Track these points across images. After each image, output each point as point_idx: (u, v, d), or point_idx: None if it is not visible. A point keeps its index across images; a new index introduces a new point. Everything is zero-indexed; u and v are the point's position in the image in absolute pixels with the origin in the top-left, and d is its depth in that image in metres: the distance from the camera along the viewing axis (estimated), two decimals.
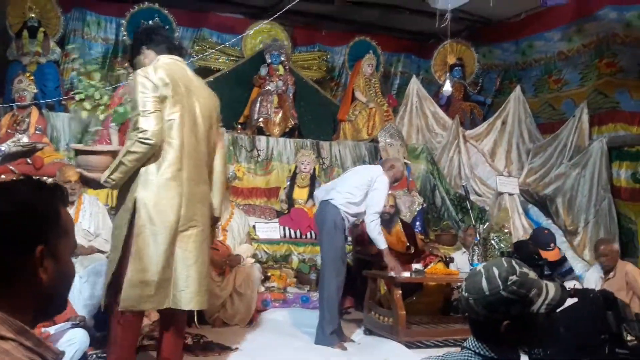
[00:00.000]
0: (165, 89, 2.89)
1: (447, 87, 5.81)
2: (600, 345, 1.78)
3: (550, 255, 4.70)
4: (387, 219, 5.63)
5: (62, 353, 1.02)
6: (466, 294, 1.41)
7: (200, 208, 3.00)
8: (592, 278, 4.90)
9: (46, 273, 0.99)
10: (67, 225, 1.05)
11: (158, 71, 2.92)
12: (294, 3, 5.99)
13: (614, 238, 5.70)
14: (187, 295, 2.88)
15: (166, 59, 3.06)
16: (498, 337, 1.36)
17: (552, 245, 4.87)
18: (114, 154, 3.06)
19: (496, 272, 1.39)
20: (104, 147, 3.69)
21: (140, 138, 2.80)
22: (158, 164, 2.88)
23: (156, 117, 2.84)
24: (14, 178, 5.47)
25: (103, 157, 3.21)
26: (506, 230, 5.18)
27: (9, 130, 5.64)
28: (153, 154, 2.86)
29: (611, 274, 4.73)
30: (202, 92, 3.14)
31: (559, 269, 4.87)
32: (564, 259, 4.92)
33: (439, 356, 1.43)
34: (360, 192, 4.39)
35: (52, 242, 1.01)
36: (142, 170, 2.88)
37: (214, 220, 3.25)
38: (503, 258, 1.42)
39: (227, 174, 3.42)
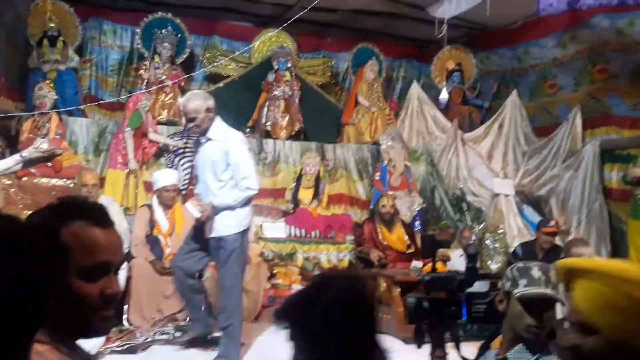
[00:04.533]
0: None
1: (444, 95, 5.83)
2: None
3: (550, 229, 5.05)
4: (388, 219, 5.68)
5: (95, 357, 1.04)
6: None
7: None
8: None
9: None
10: (68, 244, 0.99)
11: None
12: (302, 13, 6.03)
13: (582, 240, 5.55)
14: None
15: None
16: None
17: (551, 223, 5.15)
18: None
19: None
20: None
21: None
22: None
23: None
24: (35, 181, 5.56)
25: None
26: (500, 231, 5.19)
27: (30, 135, 5.71)
28: None
29: None
30: None
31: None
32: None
33: None
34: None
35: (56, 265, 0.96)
36: None
37: None
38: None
39: None
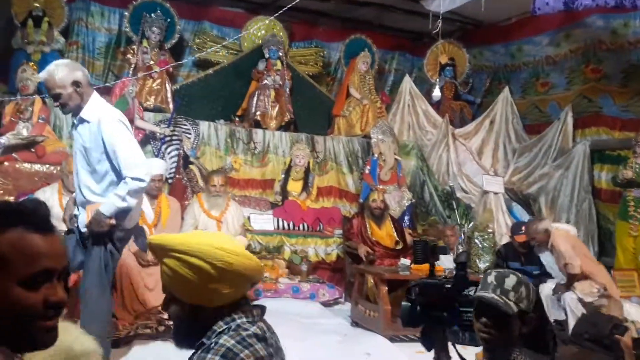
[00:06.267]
0: None
1: (437, 93, 5.76)
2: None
3: (519, 238, 5.08)
4: (378, 215, 5.62)
5: None
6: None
7: None
8: (548, 259, 4.86)
9: None
10: (5, 253, 0.95)
11: None
12: (296, 2, 5.87)
13: (539, 217, 5.60)
14: None
15: None
16: None
17: (522, 229, 5.11)
18: None
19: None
20: None
21: None
22: None
23: None
24: (17, 166, 5.39)
25: None
26: (490, 230, 5.16)
27: (12, 119, 5.53)
28: None
29: (552, 251, 4.75)
30: None
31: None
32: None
33: None
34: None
35: None
36: None
37: None
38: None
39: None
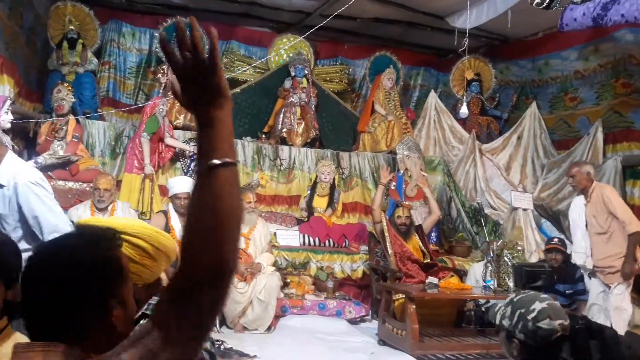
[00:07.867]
0: None
1: (464, 110, 5.72)
2: None
3: (550, 246, 5.17)
4: (404, 231, 5.58)
5: None
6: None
7: None
8: (578, 204, 4.80)
9: (118, 320, 1.02)
10: (126, 270, 1.08)
11: None
12: (325, 22, 5.94)
13: (587, 162, 5.57)
14: None
15: None
16: None
17: (554, 240, 5.20)
18: None
19: None
20: None
21: None
22: None
23: None
24: (52, 183, 5.52)
25: None
26: (519, 248, 5.07)
27: (47, 138, 5.69)
28: None
29: (587, 198, 4.65)
30: None
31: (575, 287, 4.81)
32: (580, 278, 4.83)
33: None
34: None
35: (119, 291, 1.04)
36: None
37: None
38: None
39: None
